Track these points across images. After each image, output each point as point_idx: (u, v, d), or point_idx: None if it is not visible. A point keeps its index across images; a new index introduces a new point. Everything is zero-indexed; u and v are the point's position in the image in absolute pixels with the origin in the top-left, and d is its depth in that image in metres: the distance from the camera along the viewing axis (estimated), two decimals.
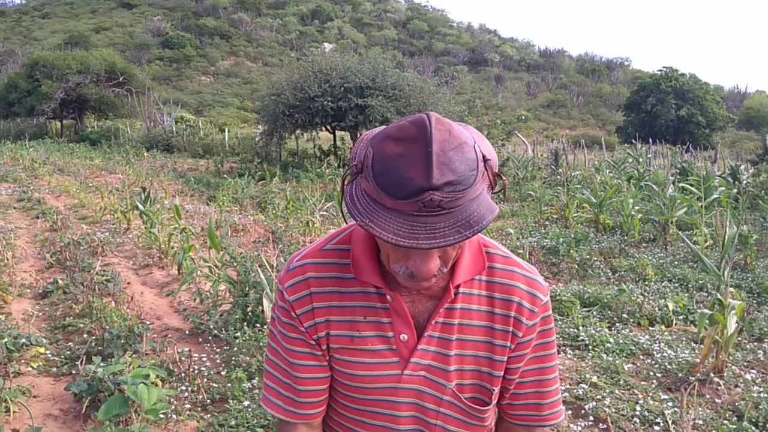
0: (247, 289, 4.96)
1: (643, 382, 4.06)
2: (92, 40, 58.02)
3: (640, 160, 16.04)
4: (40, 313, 5.22)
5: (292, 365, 1.17)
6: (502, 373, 1.16)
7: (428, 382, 1.13)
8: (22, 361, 4.14)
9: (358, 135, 19.42)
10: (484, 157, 0.96)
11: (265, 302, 4.69)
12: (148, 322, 4.91)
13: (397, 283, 1.09)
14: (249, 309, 4.82)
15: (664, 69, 44.66)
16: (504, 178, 1.02)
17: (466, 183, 0.91)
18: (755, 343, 4.82)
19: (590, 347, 4.59)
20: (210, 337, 4.63)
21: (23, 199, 11.70)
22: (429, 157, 0.89)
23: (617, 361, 4.30)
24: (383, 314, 1.12)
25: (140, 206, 7.58)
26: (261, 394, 1.22)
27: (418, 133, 0.92)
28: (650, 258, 7.22)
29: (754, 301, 5.79)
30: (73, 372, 3.96)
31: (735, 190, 10.96)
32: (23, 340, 4.30)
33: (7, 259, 6.59)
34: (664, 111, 40.59)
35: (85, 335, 4.56)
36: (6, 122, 35.17)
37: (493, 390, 1.15)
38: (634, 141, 20.16)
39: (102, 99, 32.54)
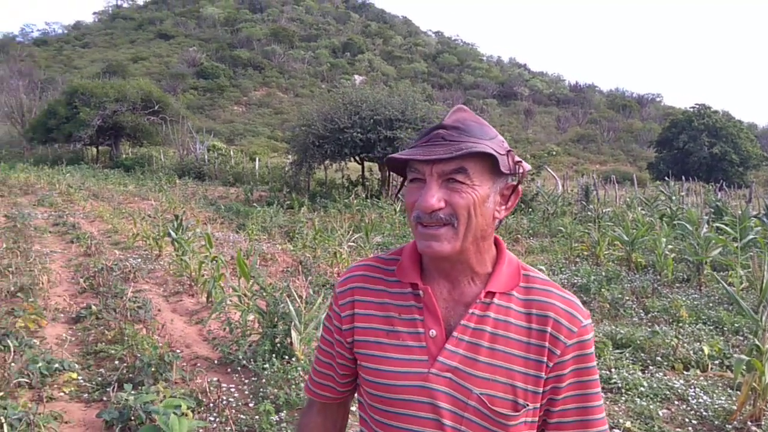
0: (275, 320, 4.96)
1: (678, 429, 3.96)
2: (130, 69, 59.61)
3: (673, 197, 15.85)
4: (73, 338, 5.29)
5: (319, 349, 1.37)
6: (539, 390, 1.15)
7: (454, 384, 1.14)
8: (55, 386, 4.19)
9: (386, 167, 19.55)
10: (508, 150, 1.14)
11: (294, 334, 4.70)
12: (177, 350, 4.95)
13: (432, 280, 1.21)
14: (277, 340, 4.82)
15: (697, 106, 44.30)
16: (524, 165, 1.17)
17: (473, 134, 1.11)
18: None
19: (623, 390, 4.50)
20: (239, 368, 4.63)
21: (59, 224, 11.96)
22: (448, 115, 1.16)
23: (651, 406, 4.20)
24: (416, 312, 1.20)
25: (173, 233, 7.69)
26: None
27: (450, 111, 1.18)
28: (684, 299, 7.09)
29: None
30: (104, 399, 4.00)
31: None
32: (56, 365, 4.35)
33: (43, 283, 6.72)
34: (696, 148, 40.17)
35: (117, 362, 4.60)
36: (45, 147, 36.15)
37: (527, 405, 1.14)
38: (666, 178, 19.94)
39: (137, 127, 33.26)
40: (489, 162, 1.11)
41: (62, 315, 5.97)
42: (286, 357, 4.62)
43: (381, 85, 25.68)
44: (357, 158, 20.02)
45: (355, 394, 1.38)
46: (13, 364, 4.31)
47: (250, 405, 4.02)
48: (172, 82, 58.43)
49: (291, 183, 20.54)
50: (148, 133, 34.26)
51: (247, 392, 4.25)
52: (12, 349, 4.50)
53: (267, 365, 4.43)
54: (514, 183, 1.18)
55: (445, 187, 1.10)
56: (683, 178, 21.80)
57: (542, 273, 1.26)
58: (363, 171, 21.19)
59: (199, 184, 23.46)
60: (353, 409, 3.31)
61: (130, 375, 4.26)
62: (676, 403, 4.38)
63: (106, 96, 32.13)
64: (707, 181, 30.54)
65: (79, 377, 4.37)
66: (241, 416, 3.82)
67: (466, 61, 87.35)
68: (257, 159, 27.91)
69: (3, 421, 3.15)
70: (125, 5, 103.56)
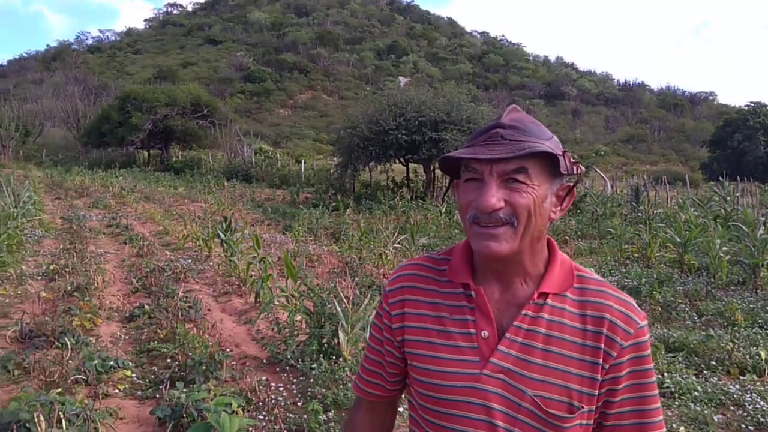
0: (322, 320, 5.00)
1: None
2: (179, 74, 60.99)
3: (728, 198, 15.38)
4: (127, 337, 5.44)
5: (368, 347, 1.38)
6: (595, 392, 1.14)
7: (507, 386, 1.14)
8: (110, 383, 4.32)
9: (431, 168, 19.56)
10: (564, 151, 1.13)
11: (341, 334, 4.73)
12: (227, 350, 5.04)
13: (484, 281, 1.20)
14: (324, 341, 4.86)
15: (752, 104, 42.92)
16: (581, 166, 1.16)
17: (531, 134, 1.10)
18: None
19: (676, 395, 4.39)
20: (287, 367, 4.69)
21: (112, 225, 12.32)
22: (505, 114, 1.15)
23: (706, 411, 4.09)
24: (468, 312, 1.19)
25: (222, 235, 7.83)
26: None
27: (505, 110, 1.17)
28: (739, 302, 6.87)
29: None
30: (157, 396, 4.10)
31: None
32: (111, 363, 4.48)
33: (98, 283, 6.93)
34: (752, 147, 38.93)
35: (169, 360, 4.72)
36: (98, 151, 37.24)
37: (582, 407, 1.13)
38: (720, 178, 19.35)
39: (187, 130, 33.98)
40: (548, 162, 1.11)
41: (116, 314, 6.15)
42: (334, 357, 4.66)
43: (426, 86, 25.57)
44: (402, 160, 20.04)
45: (403, 394, 1.39)
46: (70, 361, 4.46)
47: (299, 404, 4.06)
48: (220, 87, 59.53)
49: (336, 185, 20.69)
50: (198, 136, 34.98)
51: (295, 391, 4.29)
52: (69, 347, 4.66)
53: (315, 365, 4.48)
54: (570, 184, 1.18)
55: (505, 187, 1.10)
56: (738, 178, 21.10)
57: (594, 273, 1.24)
58: (408, 172, 21.19)
59: (246, 186, 23.86)
60: (400, 410, 3.31)
61: (182, 373, 4.36)
62: (732, 408, 4.25)
63: (157, 101, 32.91)
64: (763, 182, 29.49)
65: (133, 375, 4.50)
66: (290, 415, 3.86)
67: (512, 62, 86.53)
68: (303, 161, 28.21)
69: (62, 416, 3.25)
70: (175, 12, 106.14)
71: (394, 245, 9.15)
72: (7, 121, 35.86)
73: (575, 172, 1.14)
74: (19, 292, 6.78)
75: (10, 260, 7.62)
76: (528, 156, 1.08)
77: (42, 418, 3.07)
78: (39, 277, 7.57)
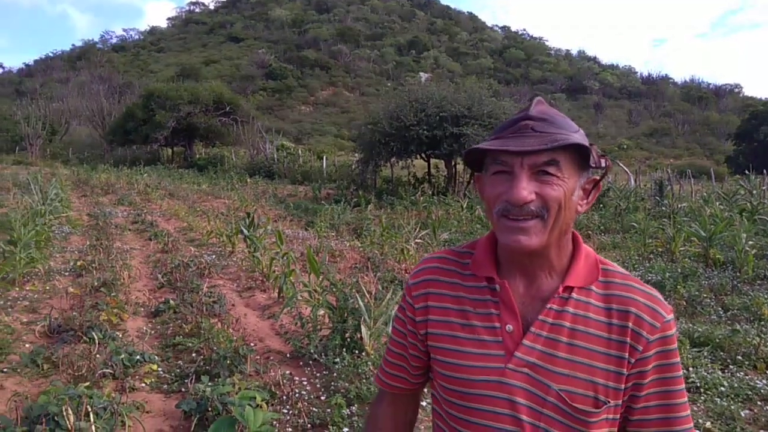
0: (345, 315, 5.03)
1: (762, 431, 3.79)
2: (202, 72, 61.55)
3: (754, 192, 15.13)
4: (153, 331, 5.53)
5: (391, 340, 1.38)
6: (621, 387, 1.13)
7: (532, 380, 1.13)
8: (137, 376, 4.39)
9: (453, 163, 19.51)
10: (591, 144, 1.12)
11: (363, 329, 4.76)
12: (251, 344, 5.09)
13: (508, 274, 1.19)
14: (347, 335, 4.89)
15: None
16: (608, 159, 1.16)
17: (560, 126, 1.09)
18: None
19: (702, 390, 4.34)
20: (310, 362, 4.73)
21: (137, 222, 12.48)
22: (532, 106, 1.13)
23: (732, 407, 4.04)
24: (492, 306, 1.19)
25: (245, 231, 7.90)
26: None
27: (530, 102, 1.15)
28: (766, 297, 6.76)
29: None
30: (183, 390, 4.16)
31: None
32: (138, 357, 4.55)
33: (124, 279, 7.03)
34: None
35: (194, 354, 4.78)
36: (123, 149, 37.78)
37: (608, 402, 1.12)
38: (746, 172, 19.02)
39: (210, 128, 34.35)
40: (577, 155, 1.10)
41: (142, 309, 6.23)
42: (356, 352, 4.68)
43: (447, 81, 25.48)
44: (423, 155, 20.02)
45: (427, 388, 1.39)
46: (98, 355, 4.54)
47: (322, 398, 4.09)
48: (242, 84, 59.99)
49: (358, 181, 20.73)
50: (220, 133, 35.33)
51: (318, 385, 4.32)
52: (96, 341, 4.75)
53: (338, 359, 4.51)
54: (596, 177, 1.17)
55: (535, 180, 1.09)
56: (764, 171, 20.68)
57: (620, 267, 1.24)
58: (429, 168, 21.16)
59: (269, 182, 24.02)
60: (423, 404, 3.33)
61: (207, 367, 4.41)
62: (759, 403, 4.19)
63: (180, 99, 33.27)
64: None
65: (159, 369, 4.57)
66: (314, 409, 3.89)
67: (533, 56, 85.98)
68: (325, 157, 28.31)
69: (89, 409, 3.31)
70: (197, 10, 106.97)
71: (416, 240, 9.16)
72: (34, 120, 36.53)
73: (604, 165, 1.13)
74: (48, 287, 6.91)
75: (39, 256, 7.76)
76: (559, 148, 1.07)
77: (70, 412, 3.13)
78: (66, 273, 7.70)
